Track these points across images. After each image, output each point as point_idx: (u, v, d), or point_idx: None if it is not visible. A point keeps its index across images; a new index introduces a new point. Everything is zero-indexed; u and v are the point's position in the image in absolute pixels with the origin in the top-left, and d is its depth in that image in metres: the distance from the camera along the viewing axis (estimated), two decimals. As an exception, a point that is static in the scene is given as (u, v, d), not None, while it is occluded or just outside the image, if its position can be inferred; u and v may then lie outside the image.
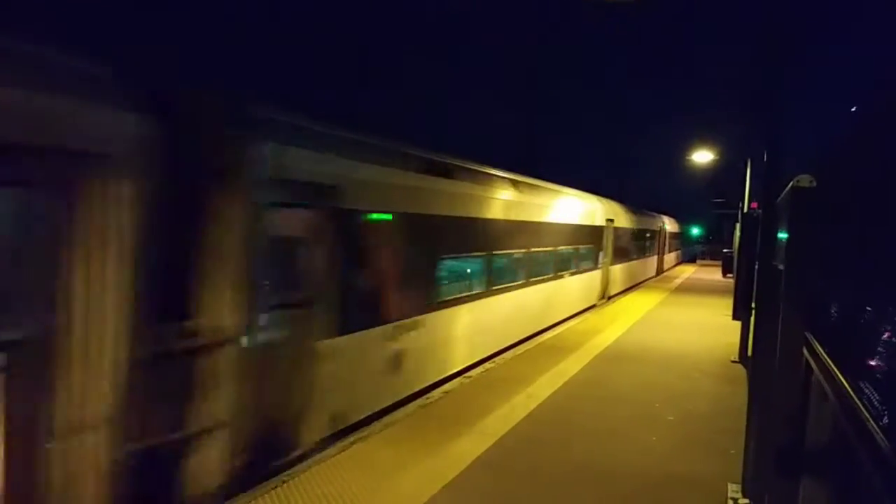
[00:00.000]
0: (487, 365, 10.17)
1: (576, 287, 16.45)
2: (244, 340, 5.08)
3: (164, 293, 4.32)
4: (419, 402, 7.94)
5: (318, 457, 5.87)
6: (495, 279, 10.94)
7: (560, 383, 8.95)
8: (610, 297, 20.18)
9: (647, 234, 28.51)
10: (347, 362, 6.63)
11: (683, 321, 16.04)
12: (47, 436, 3.63)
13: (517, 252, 12.07)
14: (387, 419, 7.13)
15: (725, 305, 16.96)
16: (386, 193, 7.60)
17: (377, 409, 7.28)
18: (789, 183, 3.51)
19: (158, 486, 4.43)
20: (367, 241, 7.20)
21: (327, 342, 6.21)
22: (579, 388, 8.79)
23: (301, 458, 5.82)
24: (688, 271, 37.91)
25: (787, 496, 3.61)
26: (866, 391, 2.87)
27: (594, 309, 17.70)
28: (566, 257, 15.33)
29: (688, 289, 25.70)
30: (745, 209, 14.11)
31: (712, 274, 34.18)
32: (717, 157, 26.29)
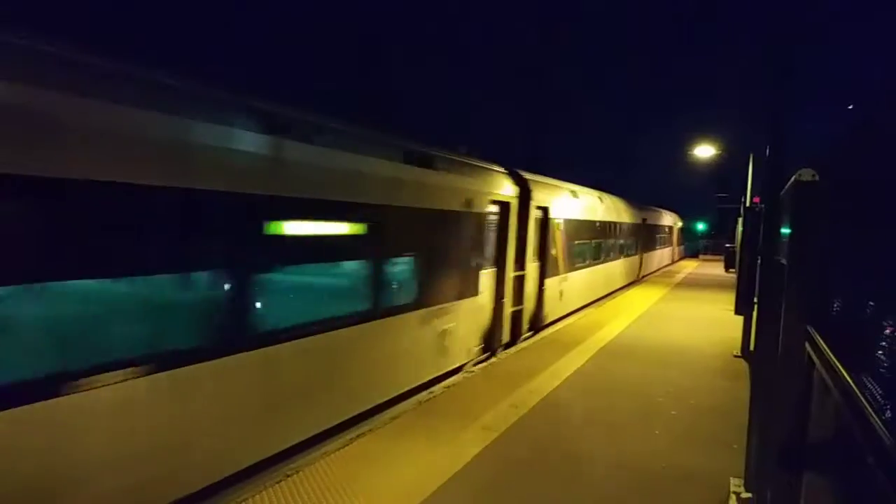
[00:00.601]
0: (493, 360, 10.19)
1: (627, 265, 23.42)
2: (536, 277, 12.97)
3: (515, 258, 11.50)
4: (421, 396, 7.96)
5: (322, 451, 5.89)
6: (603, 256, 19.14)
7: (563, 377, 8.97)
8: (644, 276, 26.63)
9: (667, 230, 35.42)
10: (567, 286, 15.22)
11: (686, 316, 16.04)
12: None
13: (609, 240, 19.86)
14: (390, 413, 7.15)
15: (727, 300, 16.96)
16: (574, 209, 15.79)
17: (570, 310, 15.72)
18: (792, 177, 3.51)
19: (518, 323, 11.97)
20: (575, 235, 15.77)
21: (550, 279, 13.81)
22: (582, 383, 8.80)
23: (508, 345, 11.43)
24: (690, 266, 37.88)
25: (789, 490, 3.62)
26: (868, 386, 2.89)
27: (634, 285, 23.75)
28: (624, 245, 22.50)
29: (690, 284, 25.69)
30: (748, 204, 14.10)
31: (715, 269, 34.16)
32: (719, 152, 26.22)
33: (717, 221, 60.37)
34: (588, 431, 6.84)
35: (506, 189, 11.06)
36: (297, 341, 5.95)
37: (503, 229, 11.00)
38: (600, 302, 18.13)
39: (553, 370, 9.38)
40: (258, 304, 5.58)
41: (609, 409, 7.65)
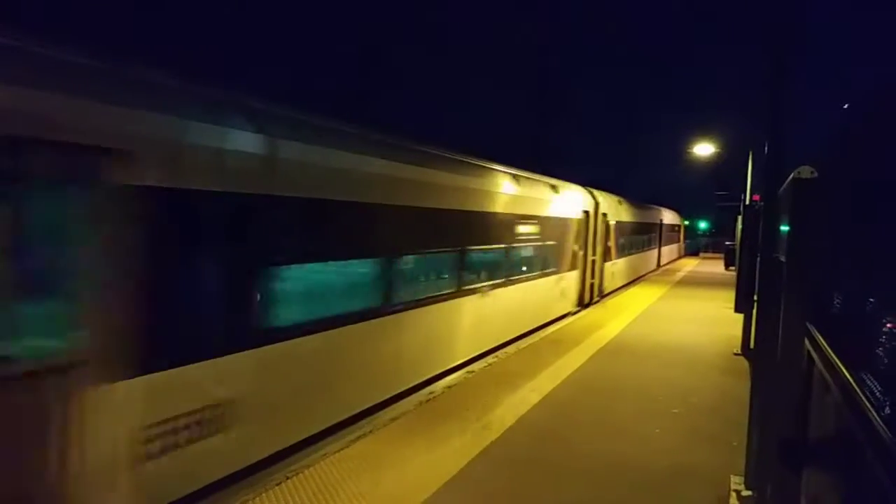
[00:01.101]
0: (489, 359, 10.19)
1: (648, 257, 29.08)
2: (601, 261, 18.68)
3: (591, 248, 17.38)
4: (422, 396, 7.96)
5: (322, 452, 5.89)
6: (637, 248, 25.28)
7: (563, 377, 8.97)
8: (661, 266, 32.12)
9: (676, 228, 42.46)
10: (616, 269, 21.24)
11: (686, 314, 16.04)
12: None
13: (641, 236, 26.10)
14: (391, 413, 7.15)
15: (727, 298, 16.96)
16: (621, 214, 21.46)
17: (618, 286, 21.13)
18: (790, 174, 3.51)
19: (592, 291, 17.69)
20: (621, 232, 21.38)
21: (608, 263, 19.40)
22: (583, 382, 8.80)
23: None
24: (690, 264, 37.88)
25: (789, 487, 3.62)
26: (868, 382, 2.87)
27: (654, 272, 29.27)
28: (649, 240, 28.70)
29: (690, 282, 25.68)
30: (748, 202, 14.10)
31: (715, 267, 34.15)
32: (719, 150, 26.22)
33: (717, 220, 60.38)
34: (589, 430, 6.83)
35: (588, 203, 17.09)
36: (507, 287, 11.51)
37: (586, 229, 16.79)
38: (633, 284, 23.46)
39: (553, 369, 9.37)
40: (636, 244, 24.26)
41: (610, 408, 7.64)
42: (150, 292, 4.36)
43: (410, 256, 8.21)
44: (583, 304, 16.77)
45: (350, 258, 7.26)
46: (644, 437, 6.68)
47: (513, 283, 11.71)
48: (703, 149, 26.21)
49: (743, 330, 10.59)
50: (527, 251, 12.73)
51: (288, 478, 5.27)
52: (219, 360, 5.04)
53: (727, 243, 36.26)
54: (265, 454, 5.59)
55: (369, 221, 7.26)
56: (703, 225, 63.20)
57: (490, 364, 9.81)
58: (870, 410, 2.39)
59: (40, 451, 3.84)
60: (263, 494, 4.94)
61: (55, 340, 3.99)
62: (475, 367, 9.70)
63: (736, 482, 5.25)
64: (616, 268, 21.04)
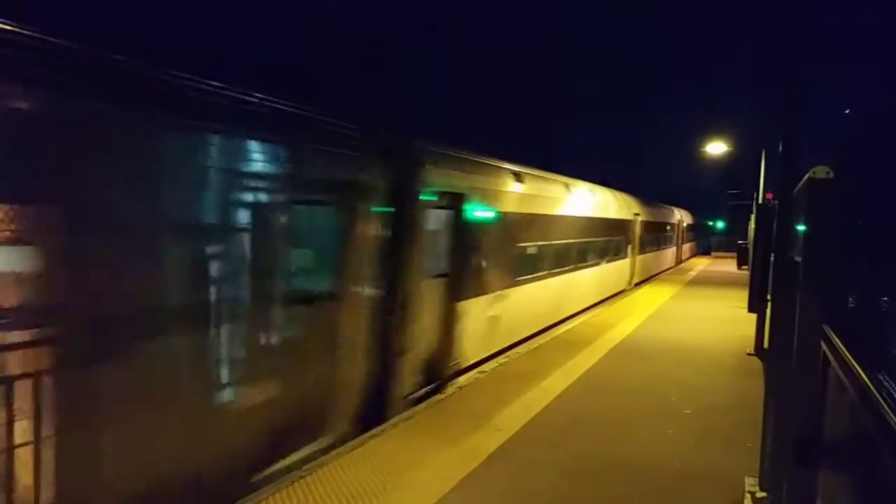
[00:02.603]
0: (501, 359, 10.18)
1: (669, 254, 32.68)
2: (638, 253, 23.85)
3: (631, 243, 22.65)
4: (432, 398, 7.97)
5: (334, 452, 5.91)
6: (661, 244, 29.13)
7: (575, 377, 8.95)
8: (680, 263, 35.80)
9: (694, 228, 45.98)
10: (647, 260, 25.81)
11: (698, 314, 15.95)
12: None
13: (664, 234, 30.43)
14: (403, 415, 7.16)
15: (740, 298, 16.84)
16: (653, 216, 26.82)
17: (650, 275, 26.25)
18: (806, 173, 3.48)
19: (632, 276, 23.04)
20: (650, 231, 26.17)
21: (640, 255, 24.20)
22: (595, 382, 8.78)
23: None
24: (702, 263, 37.67)
25: (804, 489, 3.59)
26: (885, 384, 2.85)
27: (673, 269, 32.07)
28: (672, 237, 33.17)
29: (702, 281, 25.54)
30: (761, 200, 13.99)
31: (727, 266, 33.93)
32: (731, 149, 26.05)
33: (729, 218, 59.97)
34: (601, 431, 6.81)
35: (633, 207, 22.73)
36: (603, 265, 18.67)
37: (632, 227, 22.28)
38: (659, 276, 27.46)
39: (565, 369, 9.35)
40: (658, 241, 28.72)
41: (622, 409, 7.62)
42: (481, 259, 9.93)
43: (564, 243, 14.64)
44: (628, 286, 22.11)
45: (546, 242, 13.42)
46: (657, 437, 6.66)
47: (604, 263, 18.84)
48: (716, 147, 26.06)
49: (756, 330, 10.53)
50: (612, 243, 19.57)
51: (302, 477, 5.30)
52: (502, 291, 10.81)
53: (740, 242, 36.04)
54: (514, 340, 11.56)
55: (551, 224, 13.83)
56: (719, 225, 62.98)
57: (502, 364, 9.80)
58: (888, 412, 2.38)
59: (452, 325, 8.95)
60: (277, 494, 4.97)
61: (475, 285, 9.80)
62: (487, 367, 9.70)
63: (751, 483, 5.22)
64: (647, 259, 26.11)
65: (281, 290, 5.66)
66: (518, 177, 11.51)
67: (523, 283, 11.96)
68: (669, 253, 32.72)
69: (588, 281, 17.01)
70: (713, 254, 49.53)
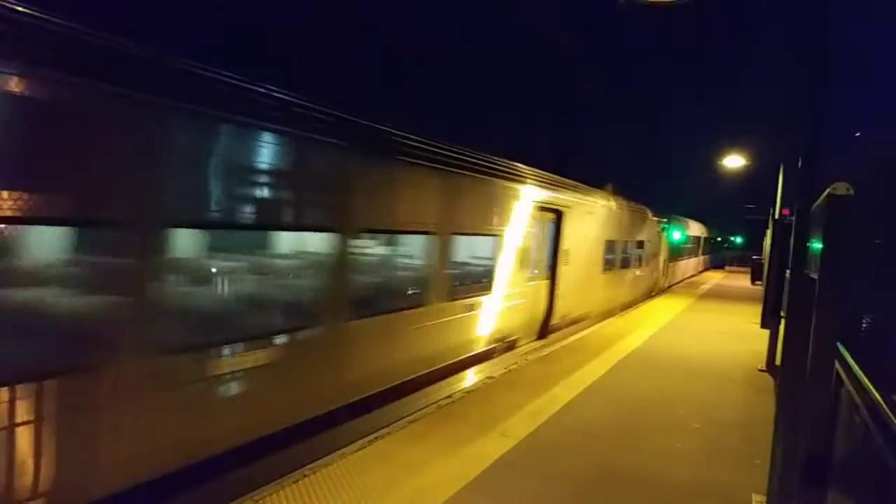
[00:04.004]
0: (510, 365, 10.15)
1: (699, 261, 40.69)
2: (666, 263, 29.31)
3: (661, 254, 27.75)
4: (440, 400, 7.96)
5: (339, 452, 5.91)
6: (686, 255, 35.25)
7: (584, 387, 8.90)
8: (702, 271, 42.24)
9: (712, 241, 51.95)
10: (676, 269, 32.22)
11: (710, 328, 15.84)
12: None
13: (690, 246, 36.01)
14: (409, 417, 7.16)
15: (753, 313, 16.69)
16: (679, 231, 31.08)
17: (677, 281, 31.88)
18: (824, 190, 3.45)
19: (661, 283, 27.50)
20: (677, 245, 31.25)
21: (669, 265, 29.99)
22: (604, 392, 8.73)
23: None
24: (715, 277, 37.44)
25: (813, 509, 3.55)
26: (900, 405, 2.81)
27: (697, 275, 38.55)
28: (695, 249, 38.67)
29: (715, 295, 25.36)
30: (777, 216, 13.87)
31: (740, 281, 33.68)
32: (748, 163, 25.85)
33: (745, 233, 59.57)
34: (609, 442, 6.77)
35: (662, 223, 26.39)
36: (688, 259, 35.21)
37: (662, 241, 26.68)
38: (685, 282, 32.76)
39: (574, 379, 9.31)
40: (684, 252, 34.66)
41: (631, 420, 7.57)
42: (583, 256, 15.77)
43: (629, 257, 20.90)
44: (658, 290, 26.44)
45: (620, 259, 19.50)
46: (665, 451, 6.61)
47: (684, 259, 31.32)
48: (733, 161, 25.87)
49: (769, 346, 10.42)
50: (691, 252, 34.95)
51: (305, 475, 5.31)
52: (605, 273, 17.79)
53: (754, 257, 35.76)
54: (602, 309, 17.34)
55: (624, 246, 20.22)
56: (737, 239, 63.03)
57: (509, 371, 9.77)
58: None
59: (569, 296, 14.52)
60: (281, 492, 4.98)
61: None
62: (494, 372, 9.67)
63: (758, 501, 5.17)
64: (676, 268, 32.01)
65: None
66: (615, 202, 18.45)
67: (608, 272, 18.31)
68: (701, 259, 43.79)
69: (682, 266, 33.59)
70: (727, 268, 49.20)
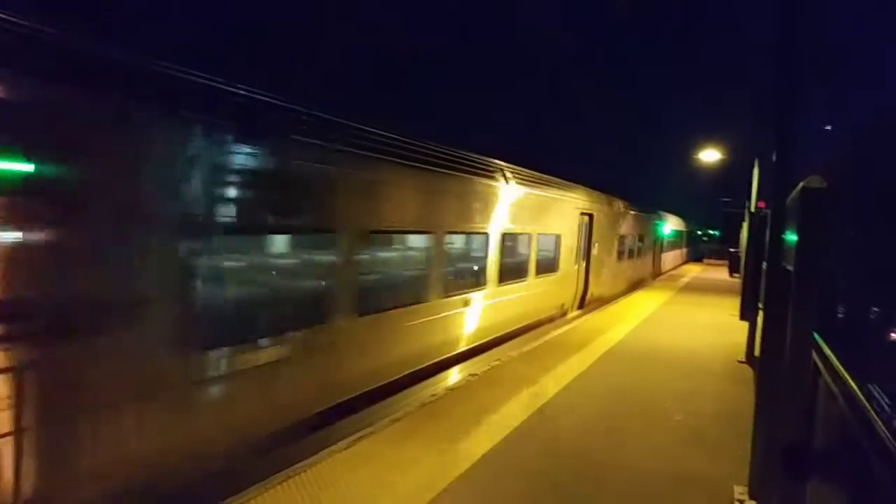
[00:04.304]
0: (493, 362, 10.18)
1: (678, 254, 42.59)
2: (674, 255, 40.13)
3: (665, 249, 36.38)
4: (424, 398, 7.95)
5: (323, 452, 5.89)
6: (675, 248, 40.80)
7: (566, 381, 8.95)
8: (682, 264, 43.64)
9: (692, 234, 53.95)
10: (669, 257, 38.30)
11: (689, 321, 16.00)
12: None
13: (678, 240, 42.15)
14: (393, 415, 7.14)
15: (732, 305, 16.90)
16: (670, 227, 37.71)
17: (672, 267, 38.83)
18: (799, 183, 3.49)
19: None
20: (671, 237, 38.18)
21: (666, 254, 36.23)
22: (586, 387, 8.78)
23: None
24: (695, 270, 37.85)
25: (794, 498, 3.60)
26: (876, 394, 2.87)
27: (679, 266, 41.30)
28: (680, 243, 43.39)
29: (694, 288, 25.62)
30: (753, 209, 14.04)
31: (718, 273, 34.08)
32: (725, 157, 26.16)
33: (721, 226, 60.33)
34: (591, 436, 6.81)
35: (657, 221, 31.10)
36: (674, 250, 39.82)
37: (656, 235, 31.00)
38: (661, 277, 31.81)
39: (556, 374, 9.35)
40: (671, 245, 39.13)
41: (612, 414, 7.63)
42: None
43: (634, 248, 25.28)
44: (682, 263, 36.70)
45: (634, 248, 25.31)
46: (647, 443, 6.66)
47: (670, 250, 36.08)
48: (709, 155, 26.17)
49: (748, 338, 10.56)
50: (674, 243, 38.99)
51: (290, 476, 5.28)
52: (619, 262, 22.44)
53: (731, 250, 36.24)
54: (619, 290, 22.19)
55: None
56: (713, 232, 64.01)
57: (493, 367, 9.80)
58: (878, 422, 2.39)
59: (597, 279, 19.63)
60: (266, 493, 4.94)
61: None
62: (478, 369, 9.69)
63: (739, 492, 5.23)
64: (670, 256, 37.81)
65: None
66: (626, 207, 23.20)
67: (623, 260, 23.16)
68: (684, 251, 47.40)
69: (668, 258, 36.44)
70: (705, 261, 49.82)
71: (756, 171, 15.37)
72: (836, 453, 3.19)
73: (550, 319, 15.11)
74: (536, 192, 13.45)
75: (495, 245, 11.48)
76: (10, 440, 3.89)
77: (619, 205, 22.11)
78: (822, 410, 3.40)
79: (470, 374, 9.41)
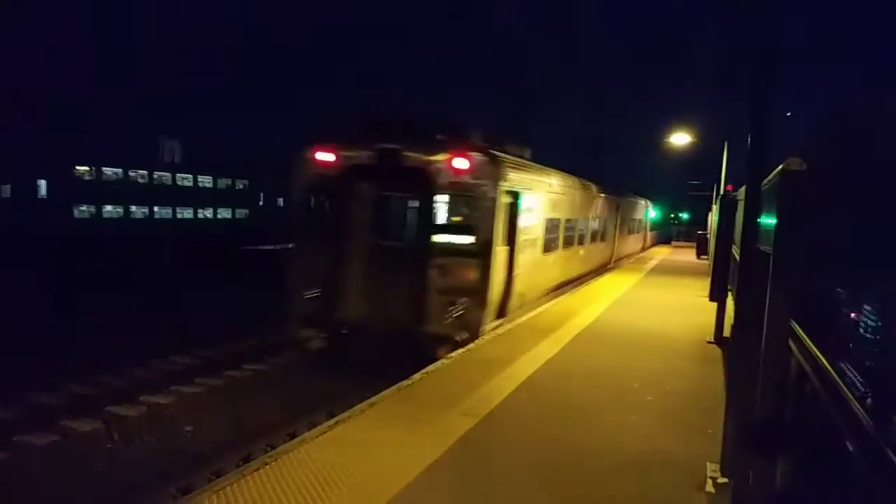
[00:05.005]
0: (470, 346, 10.22)
1: (654, 235, 49.58)
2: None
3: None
4: (400, 383, 7.95)
5: (301, 437, 5.86)
6: (646, 231, 44.85)
7: (539, 364, 9.02)
8: (651, 246, 46.13)
9: (661, 217, 58.06)
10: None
11: (659, 302, 16.24)
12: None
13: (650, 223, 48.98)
14: (369, 400, 7.13)
15: (700, 287, 17.20)
16: (652, 212, 50.33)
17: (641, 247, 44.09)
18: (776, 166, 3.53)
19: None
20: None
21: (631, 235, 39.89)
22: (559, 369, 8.87)
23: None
24: (663, 252, 38.41)
25: (766, 475, 3.69)
26: (849, 374, 2.93)
27: (649, 248, 44.00)
28: (639, 226, 40.43)
29: (663, 270, 26.01)
30: (721, 191, 14.27)
31: (687, 255, 34.62)
32: (694, 140, 26.46)
33: (689, 209, 61.28)
34: (565, 417, 6.89)
35: (647, 207, 42.82)
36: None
37: (646, 217, 42.17)
38: (629, 258, 33.33)
39: (529, 356, 9.42)
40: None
41: (585, 395, 7.72)
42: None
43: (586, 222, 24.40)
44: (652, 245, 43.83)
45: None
46: (620, 423, 6.76)
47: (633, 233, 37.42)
48: (680, 138, 26.45)
49: (717, 319, 10.75)
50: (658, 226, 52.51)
51: (266, 463, 5.24)
52: (625, 235, 31.44)
53: (699, 232, 36.84)
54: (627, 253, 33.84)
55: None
56: (683, 216, 65.03)
57: (468, 350, 9.83)
58: (851, 400, 2.44)
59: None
60: (241, 480, 4.90)
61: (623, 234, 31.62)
62: (454, 353, 9.72)
63: (712, 469, 5.32)
64: (652, 234, 46.06)
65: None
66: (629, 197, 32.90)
67: (625, 236, 30.21)
68: (641, 237, 48.84)
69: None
70: (673, 243, 50.61)
71: (725, 155, 15.62)
72: (807, 431, 3.26)
73: (600, 267, 25.11)
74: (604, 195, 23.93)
75: (591, 224, 21.66)
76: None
77: (627, 195, 30.97)
78: (792, 389, 3.47)
79: (447, 357, 9.43)
